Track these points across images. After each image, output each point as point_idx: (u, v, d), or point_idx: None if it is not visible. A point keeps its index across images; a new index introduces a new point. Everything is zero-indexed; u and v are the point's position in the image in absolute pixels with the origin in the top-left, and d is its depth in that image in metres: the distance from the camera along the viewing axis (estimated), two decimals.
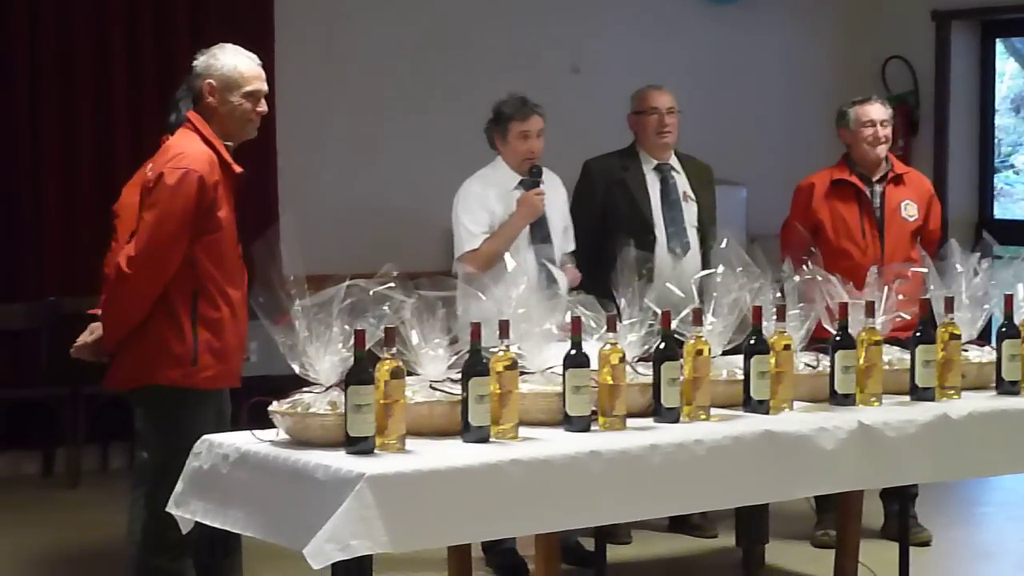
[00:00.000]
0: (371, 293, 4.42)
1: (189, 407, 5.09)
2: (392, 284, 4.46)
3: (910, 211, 7.05)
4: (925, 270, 5.39)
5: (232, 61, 5.18)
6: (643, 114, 7.07)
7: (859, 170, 7.04)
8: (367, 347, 4.21)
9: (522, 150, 6.59)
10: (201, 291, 5.10)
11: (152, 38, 8.78)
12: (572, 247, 6.78)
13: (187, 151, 5.08)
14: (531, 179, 6.60)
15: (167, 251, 5.00)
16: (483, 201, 6.56)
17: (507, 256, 5.00)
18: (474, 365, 4.32)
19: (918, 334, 5.09)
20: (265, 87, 5.26)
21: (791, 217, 7.09)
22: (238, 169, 5.20)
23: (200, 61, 5.22)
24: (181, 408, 5.08)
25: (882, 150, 7.02)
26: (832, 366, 4.96)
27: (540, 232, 6.61)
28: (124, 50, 8.73)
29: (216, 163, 5.11)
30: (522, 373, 4.52)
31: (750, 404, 4.81)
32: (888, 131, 7.02)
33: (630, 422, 4.57)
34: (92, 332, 5.40)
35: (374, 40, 9.44)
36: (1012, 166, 10.99)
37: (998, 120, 10.82)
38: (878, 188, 7.04)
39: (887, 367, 5.09)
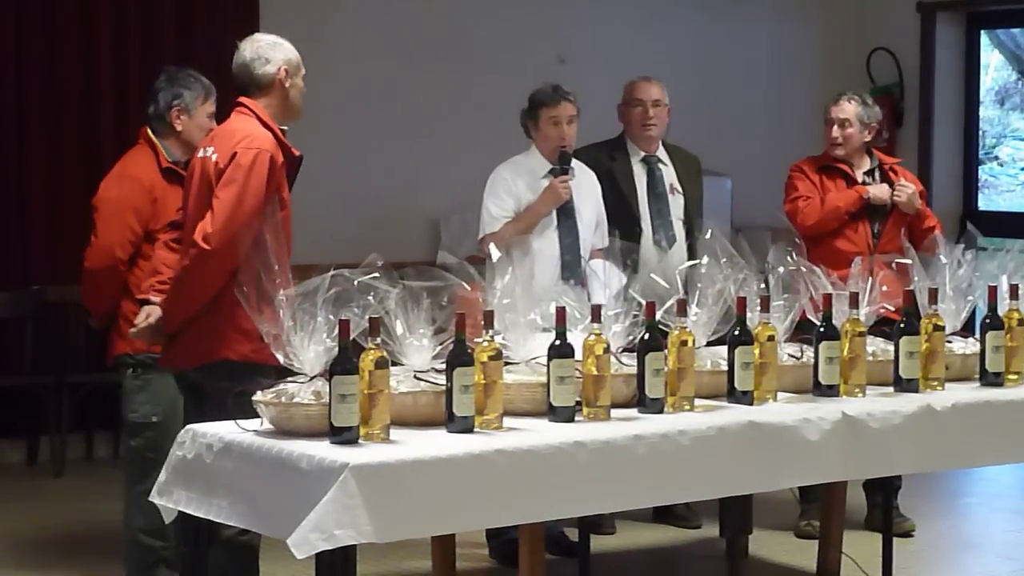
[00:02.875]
0: (356, 283, 4.42)
1: (256, 382, 5.09)
2: (377, 274, 4.47)
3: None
4: (909, 261, 5.40)
5: (291, 47, 5.30)
6: (629, 105, 7.07)
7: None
8: (352, 337, 4.22)
9: (552, 136, 6.58)
10: None
11: (138, 29, 8.74)
12: (603, 244, 6.66)
13: (254, 132, 5.15)
14: (559, 167, 6.60)
15: (245, 227, 5.01)
16: (510, 187, 6.57)
17: (492, 247, 4.99)
18: (459, 355, 4.33)
19: (902, 325, 5.10)
20: None
21: (798, 192, 6.96)
22: (297, 152, 5.27)
23: (259, 50, 5.22)
24: (249, 382, 5.08)
25: (839, 151, 6.93)
26: (816, 357, 4.97)
27: (567, 220, 6.60)
28: (110, 39, 8.69)
29: (277, 146, 5.17)
30: (507, 363, 4.53)
31: (734, 395, 4.82)
32: (851, 131, 6.88)
33: (614, 412, 4.58)
34: (149, 315, 5.37)
35: (360, 30, 9.41)
36: (997, 158, 10.99)
37: (983, 112, 10.82)
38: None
39: (871, 358, 5.10)
